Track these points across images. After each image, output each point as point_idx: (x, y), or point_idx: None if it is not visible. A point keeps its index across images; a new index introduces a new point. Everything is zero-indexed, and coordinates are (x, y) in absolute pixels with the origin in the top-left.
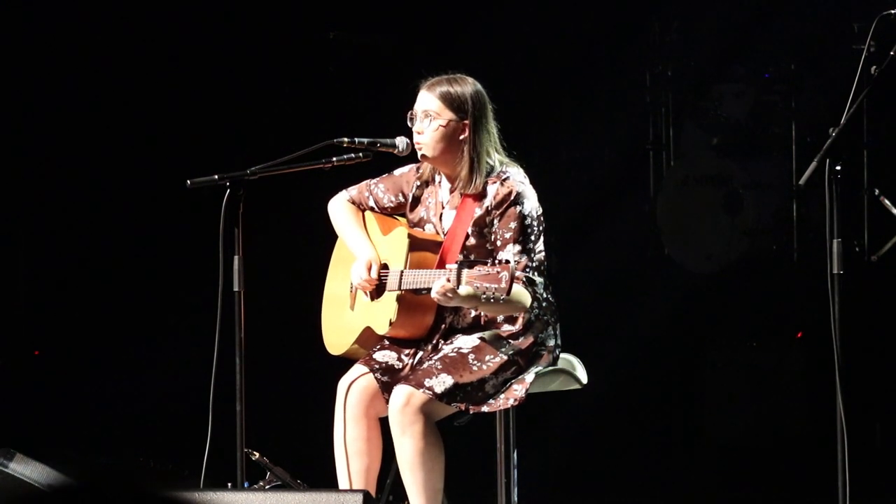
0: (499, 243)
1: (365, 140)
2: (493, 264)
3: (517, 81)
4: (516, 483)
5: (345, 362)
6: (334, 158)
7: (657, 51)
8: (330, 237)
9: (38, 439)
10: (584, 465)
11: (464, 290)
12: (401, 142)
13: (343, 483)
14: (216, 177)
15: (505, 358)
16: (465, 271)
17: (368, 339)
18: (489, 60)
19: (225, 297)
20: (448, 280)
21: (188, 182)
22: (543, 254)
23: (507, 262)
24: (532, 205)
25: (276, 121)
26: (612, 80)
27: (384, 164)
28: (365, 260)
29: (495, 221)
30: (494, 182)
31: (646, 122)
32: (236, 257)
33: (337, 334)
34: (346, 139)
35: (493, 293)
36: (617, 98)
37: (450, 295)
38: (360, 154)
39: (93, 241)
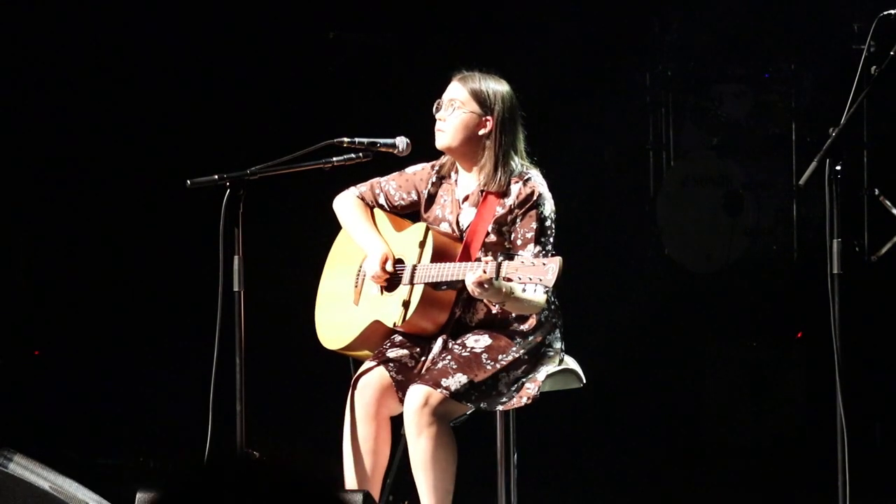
0: (518, 242)
1: (365, 140)
2: (536, 257)
3: (517, 81)
4: (516, 483)
5: (345, 361)
6: (334, 158)
7: (657, 51)
8: (331, 237)
9: (38, 439)
10: (583, 466)
11: (500, 282)
12: (401, 142)
13: (350, 482)
14: (216, 177)
15: (516, 356)
16: (506, 263)
17: (374, 334)
18: (489, 60)
19: (225, 297)
20: (485, 271)
21: (188, 182)
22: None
23: (555, 254)
24: (551, 207)
25: (276, 121)
26: (611, 80)
27: (384, 164)
28: (380, 254)
29: (517, 220)
30: (517, 182)
31: (646, 122)
32: (236, 257)
33: (336, 329)
34: (345, 139)
35: (537, 285)
36: (617, 98)
37: (486, 286)
38: (360, 154)
39: (93, 241)
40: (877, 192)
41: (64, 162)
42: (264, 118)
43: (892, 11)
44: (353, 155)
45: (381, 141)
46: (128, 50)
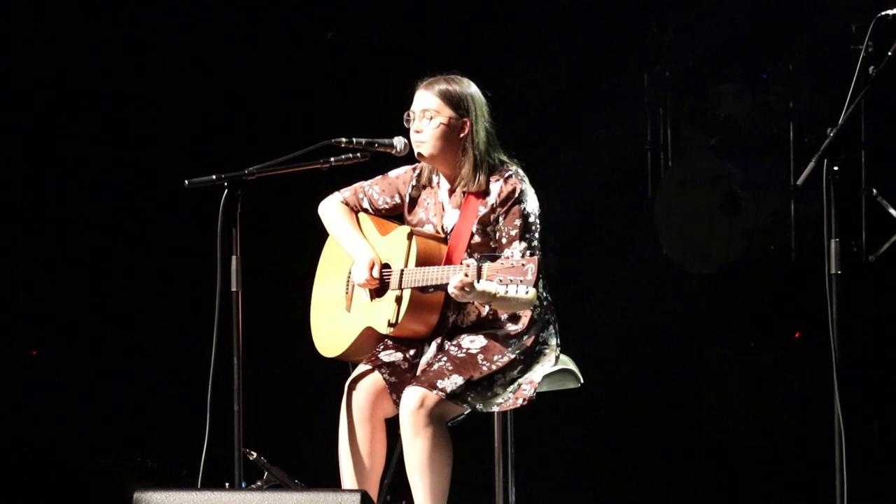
0: (504, 241)
1: (363, 140)
2: (516, 257)
3: (516, 82)
4: (514, 482)
5: (343, 363)
6: (332, 158)
7: (655, 51)
8: (328, 237)
9: (36, 440)
10: (581, 465)
11: (481, 285)
12: (398, 142)
13: (346, 484)
14: (214, 177)
15: (512, 357)
16: (487, 265)
17: (368, 340)
18: (487, 61)
19: (223, 296)
20: (466, 275)
21: (186, 182)
22: (540, 252)
23: (533, 254)
24: (534, 203)
25: (274, 121)
26: (610, 81)
27: (382, 164)
28: (367, 260)
29: (500, 219)
30: (497, 180)
31: (644, 123)
32: (234, 257)
33: (331, 337)
34: (343, 139)
35: (518, 286)
36: (615, 99)
37: (467, 290)
38: (358, 154)
39: (91, 241)
40: (874, 192)
41: (62, 162)
42: (262, 118)
43: (890, 12)
44: (350, 155)
45: (379, 141)
46: (126, 50)
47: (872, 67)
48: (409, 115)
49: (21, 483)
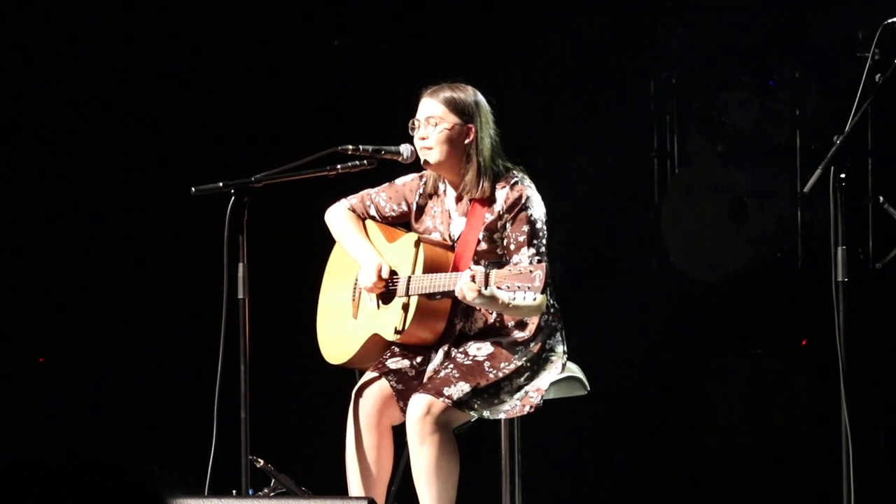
0: (512, 247)
1: (369, 147)
2: (524, 263)
3: (522, 89)
4: (520, 490)
5: (349, 370)
6: (339, 166)
7: (662, 58)
8: (334, 244)
9: (41, 447)
10: (587, 472)
11: (489, 291)
12: (405, 149)
13: (354, 491)
14: (221, 184)
15: (519, 364)
16: (495, 271)
17: (374, 347)
18: (493, 68)
19: (229, 304)
20: (473, 280)
21: (193, 189)
22: (547, 258)
23: (541, 261)
24: (541, 209)
25: (280, 128)
26: (616, 88)
27: (388, 171)
28: (374, 264)
29: (507, 225)
30: (504, 186)
31: (650, 130)
32: (241, 264)
33: (337, 344)
34: (350, 146)
35: (526, 292)
36: (621, 106)
37: (474, 295)
38: (365, 161)
39: (97, 248)
40: (881, 199)
41: (68, 168)
42: (269, 126)
43: None
44: (357, 162)
45: (386, 148)
46: (132, 57)
47: (879, 75)
48: (413, 124)
49: (23, 488)
